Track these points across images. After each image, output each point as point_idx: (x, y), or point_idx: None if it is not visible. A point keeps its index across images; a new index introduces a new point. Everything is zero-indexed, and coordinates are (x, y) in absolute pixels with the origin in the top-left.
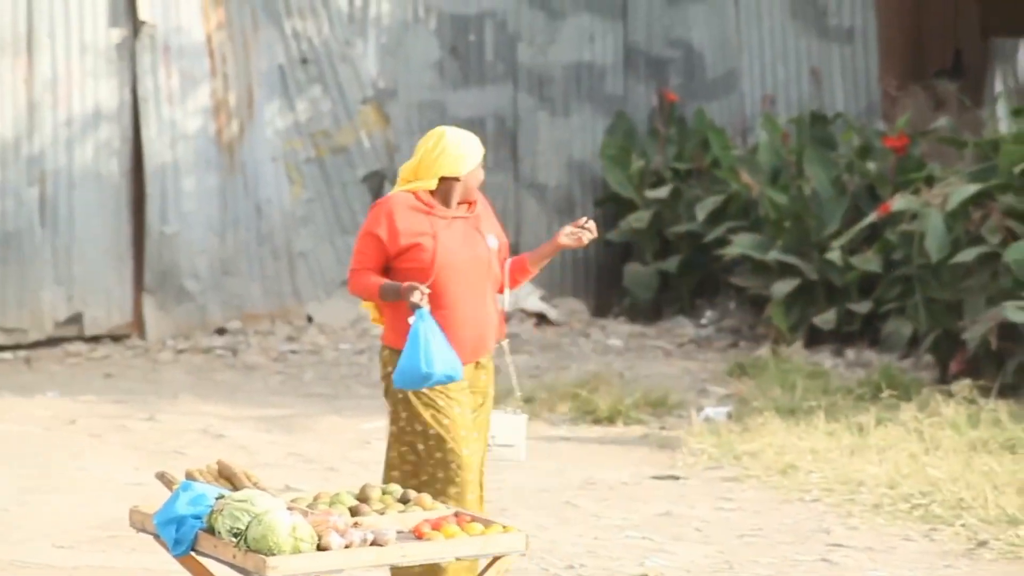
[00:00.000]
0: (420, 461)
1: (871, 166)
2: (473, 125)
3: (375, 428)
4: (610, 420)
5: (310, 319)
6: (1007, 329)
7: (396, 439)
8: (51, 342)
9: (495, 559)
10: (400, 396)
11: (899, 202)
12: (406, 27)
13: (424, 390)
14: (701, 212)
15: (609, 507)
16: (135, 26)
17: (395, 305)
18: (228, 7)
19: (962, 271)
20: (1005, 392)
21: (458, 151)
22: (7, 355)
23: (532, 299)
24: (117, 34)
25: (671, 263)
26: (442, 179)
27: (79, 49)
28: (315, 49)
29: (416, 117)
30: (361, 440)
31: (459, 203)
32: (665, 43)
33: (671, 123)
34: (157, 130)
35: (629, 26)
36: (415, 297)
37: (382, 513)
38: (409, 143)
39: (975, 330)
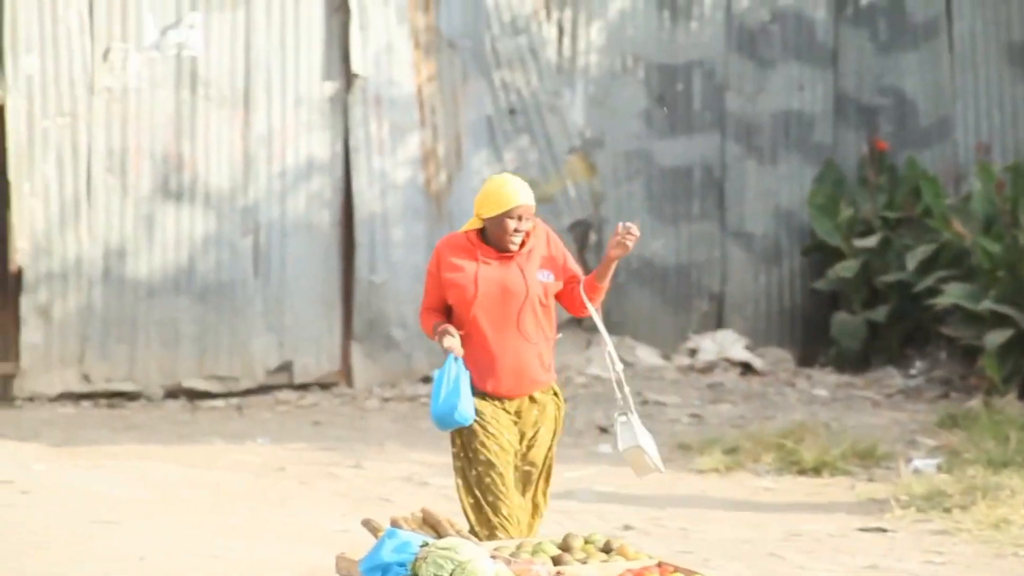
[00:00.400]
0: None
1: None
2: (680, 174)
3: (578, 476)
4: (816, 471)
5: None
6: None
7: (458, 468)
8: (262, 390)
9: None
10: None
11: None
12: (613, 77)
13: (478, 419)
14: (911, 261)
15: (814, 559)
16: (348, 79)
17: (465, 344)
18: (438, 59)
19: None
20: None
21: (488, 191)
22: (219, 402)
23: (737, 348)
24: (330, 87)
25: (880, 312)
26: (485, 220)
27: (294, 102)
28: (523, 100)
29: (623, 166)
30: (564, 489)
31: (502, 250)
32: (876, 91)
33: (882, 171)
34: (367, 180)
35: (839, 74)
36: (447, 342)
37: (584, 562)
38: (615, 192)
39: None
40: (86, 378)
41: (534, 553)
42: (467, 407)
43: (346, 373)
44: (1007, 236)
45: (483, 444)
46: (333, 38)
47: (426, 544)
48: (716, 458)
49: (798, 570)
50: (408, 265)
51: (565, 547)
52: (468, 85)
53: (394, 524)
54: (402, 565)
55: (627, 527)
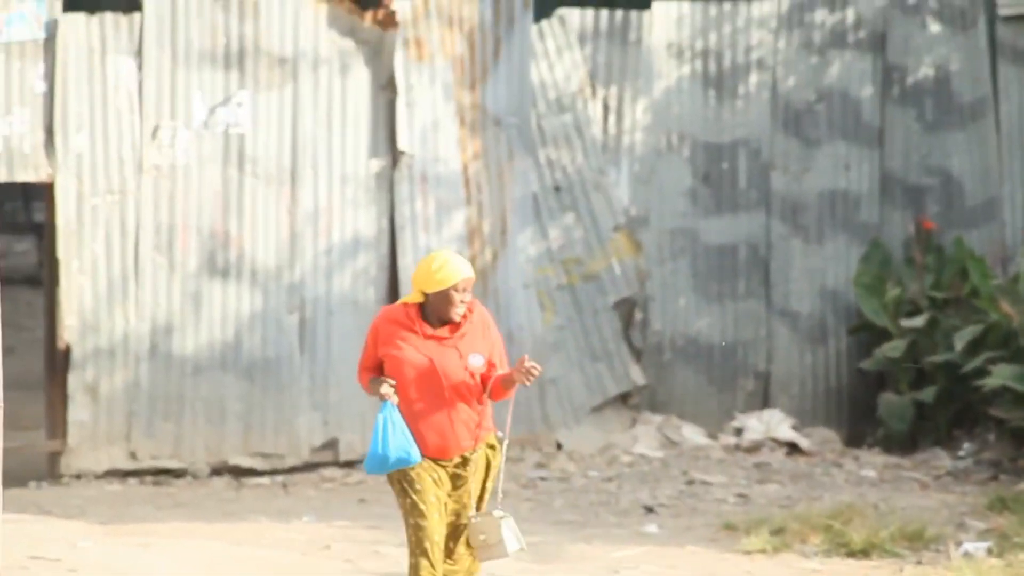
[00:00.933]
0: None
1: None
2: (725, 252)
3: (624, 556)
4: (864, 553)
5: (559, 446)
6: None
7: (401, 512)
8: (307, 467)
9: None
10: (391, 474)
11: None
12: (659, 155)
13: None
14: (959, 342)
15: None
16: (394, 157)
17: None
18: (484, 137)
19: None
20: None
21: (430, 269)
22: (265, 480)
23: (784, 428)
24: (377, 164)
25: (927, 393)
26: (425, 295)
27: (340, 180)
28: (568, 177)
29: (668, 244)
30: (610, 569)
31: (443, 323)
32: (923, 171)
33: (928, 251)
34: (413, 258)
35: (885, 154)
36: (383, 389)
37: None
38: (660, 271)
39: None
40: (133, 455)
41: None
42: (414, 448)
43: None
44: None
45: (410, 486)
46: (379, 116)
47: None
48: (763, 539)
49: None
50: None
51: None
52: (514, 162)
53: None
54: None
55: None
